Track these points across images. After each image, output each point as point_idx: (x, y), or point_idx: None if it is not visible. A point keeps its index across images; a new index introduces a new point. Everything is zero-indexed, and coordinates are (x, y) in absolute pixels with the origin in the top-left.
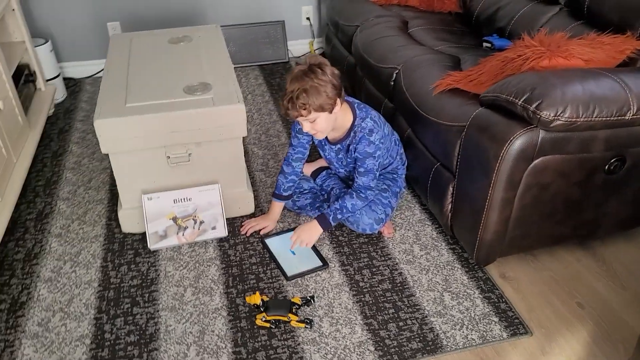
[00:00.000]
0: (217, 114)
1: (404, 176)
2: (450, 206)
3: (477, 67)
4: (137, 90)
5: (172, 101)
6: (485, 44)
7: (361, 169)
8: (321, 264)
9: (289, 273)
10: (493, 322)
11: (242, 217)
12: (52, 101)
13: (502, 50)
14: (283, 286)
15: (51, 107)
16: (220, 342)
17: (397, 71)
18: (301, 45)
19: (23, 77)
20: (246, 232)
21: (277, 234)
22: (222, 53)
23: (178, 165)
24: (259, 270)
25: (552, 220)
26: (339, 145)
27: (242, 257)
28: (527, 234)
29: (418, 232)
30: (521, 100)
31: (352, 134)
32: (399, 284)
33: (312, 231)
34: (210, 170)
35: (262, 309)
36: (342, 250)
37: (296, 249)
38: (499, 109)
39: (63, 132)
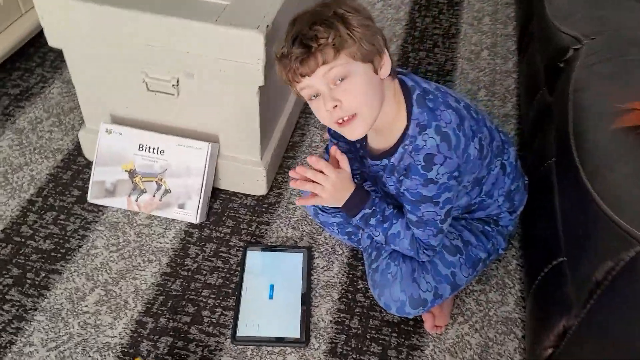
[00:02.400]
0: (217, 37)
1: (508, 232)
2: (550, 352)
3: None
4: None
5: None
6: None
7: (412, 216)
8: (298, 336)
9: (240, 331)
10: None
11: (243, 196)
12: None
13: None
14: (220, 350)
15: None
16: None
17: (577, 46)
18: None
19: None
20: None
21: (272, 248)
22: None
23: (159, 97)
24: (208, 302)
25: None
26: (384, 162)
27: (202, 266)
28: None
29: (491, 344)
30: None
31: (400, 149)
32: None
33: (340, 193)
34: (209, 117)
35: None
36: (344, 323)
37: (280, 289)
38: None
39: None
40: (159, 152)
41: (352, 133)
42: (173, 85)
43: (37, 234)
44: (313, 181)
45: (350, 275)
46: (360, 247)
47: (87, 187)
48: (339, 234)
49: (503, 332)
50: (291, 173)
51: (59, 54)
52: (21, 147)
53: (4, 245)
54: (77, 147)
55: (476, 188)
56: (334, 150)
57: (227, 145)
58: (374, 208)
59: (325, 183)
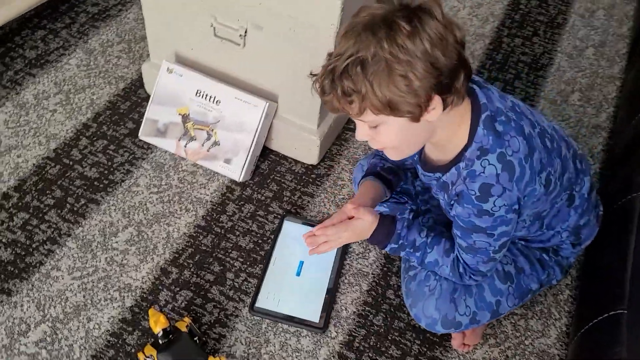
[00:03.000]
0: None
1: (569, 263)
2: None
3: None
4: None
5: None
6: None
7: (462, 242)
8: (317, 321)
9: (260, 302)
10: None
11: (293, 161)
12: None
13: None
14: (236, 316)
15: None
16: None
17: None
18: None
19: None
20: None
21: (311, 222)
22: None
23: (225, 44)
24: (235, 265)
25: None
26: (436, 175)
27: (237, 226)
28: None
29: None
30: None
31: (453, 169)
32: None
33: (360, 235)
34: (271, 75)
35: (160, 342)
36: (367, 317)
37: (309, 269)
38: None
39: None
40: (215, 102)
41: (389, 157)
42: (240, 35)
43: (85, 159)
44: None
45: (385, 269)
46: None
47: (141, 123)
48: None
49: None
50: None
51: None
52: (88, 69)
53: (52, 165)
54: (140, 79)
55: (536, 222)
56: (349, 209)
57: (285, 107)
58: (400, 242)
59: (341, 238)
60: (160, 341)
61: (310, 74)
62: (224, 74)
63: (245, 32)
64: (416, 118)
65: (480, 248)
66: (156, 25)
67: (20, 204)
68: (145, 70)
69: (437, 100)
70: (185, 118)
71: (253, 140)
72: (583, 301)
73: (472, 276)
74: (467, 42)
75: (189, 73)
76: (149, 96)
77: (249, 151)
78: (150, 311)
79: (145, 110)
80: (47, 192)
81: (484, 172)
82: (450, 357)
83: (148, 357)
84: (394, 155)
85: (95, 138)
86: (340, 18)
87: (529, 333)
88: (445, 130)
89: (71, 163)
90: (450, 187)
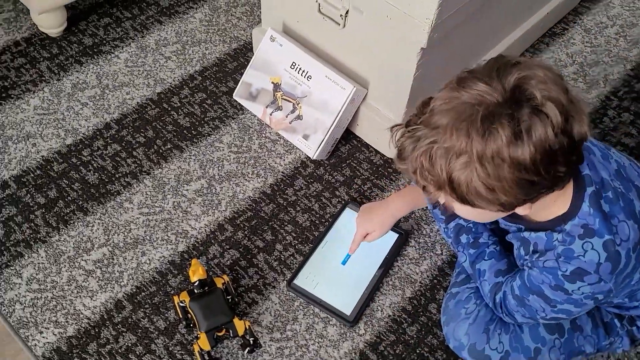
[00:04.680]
0: None
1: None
2: None
3: None
4: None
5: None
6: None
7: (517, 291)
8: (348, 315)
9: (298, 280)
10: None
11: (374, 151)
12: None
13: None
14: (273, 287)
15: None
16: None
17: None
18: None
19: None
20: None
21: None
22: None
23: (327, 22)
24: (287, 238)
25: None
26: (519, 226)
27: (299, 203)
28: None
29: None
30: None
31: (543, 235)
32: None
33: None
34: (366, 60)
35: (195, 291)
36: (401, 325)
37: (357, 261)
38: None
39: None
40: (306, 77)
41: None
42: (341, 15)
43: (182, 108)
44: None
45: (435, 282)
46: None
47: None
48: (448, 236)
49: None
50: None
51: None
52: (209, 25)
53: (153, 107)
54: (252, 42)
55: (621, 294)
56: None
57: (374, 95)
58: (469, 224)
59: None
60: (195, 290)
61: (392, 128)
62: (323, 52)
63: (347, 12)
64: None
65: (530, 307)
66: None
67: (116, 136)
68: (255, 35)
69: (526, 206)
70: (276, 87)
71: (334, 122)
72: None
73: (505, 315)
74: (605, 64)
75: (289, 44)
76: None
77: (328, 132)
78: (193, 261)
79: None
80: (142, 130)
81: (583, 257)
82: None
83: (181, 302)
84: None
85: (196, 90)
86: (437, 13)
87: None
88: (537, 206)
89: (169, 109)
90: (531, 248)
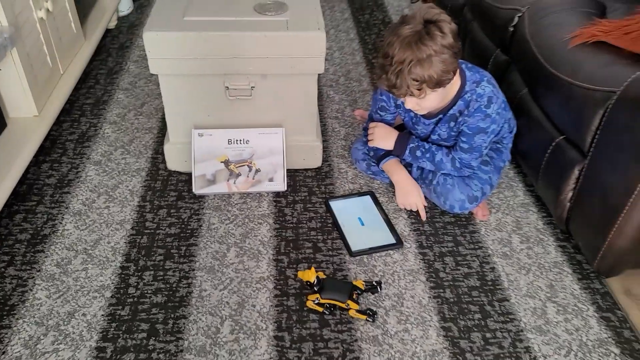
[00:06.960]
0: (290, 41)
1: (510, 147)
2: (571, 194)
3: (638, 16)
4: (199, 3)
5: (238, 19)
6: None
7: (465, 145)
8: (394, 241)
9: (354, 247)
10: (612, 355)
11: (304, 170)
12: (115, 12)
13: None
14: (344, 262)
15: (113, 19)
16: (261, 321)
17: (520, 14)
18: None
19: None
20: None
21: (344, 197)
22: None
23: (237, 99)
24: (318, 238)
25: None
26: (439, 117)
27: (301, 219)
28: None
29: (519, 220)
30: None
31: (459, 102)
32: (489, 282)
33: (386, 139)
34: (275, 111)
35: (315, 289)
36: (421, 227)
37: (366, 219)
38: None
39: (123, 49)
40: (245, 142)
41: (421, 113)
42: (251, 87)
43: (161, 224)
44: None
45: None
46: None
47: (180, 189)
48: (388, 178)
49: (525, 211)
50: (355, 113)
51: (98, 103)
52: (107, 172)
53: (139, 237)
54: (153, 164)
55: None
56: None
57: (289, 131)
58: (416, 143)
59: (374, 133)
60: (315, 288)
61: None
62: (238, 123)
63: (253, 85)
64: (446, 85)
65: (476, 147)
66: (175, 108)
67: (137, 268)
68: (168, 149)
69: (456, 72)
70: (226, 163)
71: (284, 157)
72: (529, 159)
73: (466, 169)
74: None
75: (216, 131)
76: (170, 172)
77: (284, 165)
78: (299, 272)
79: (176, 181)
80: (151, 253)
81: (485, 91)
82: (477, 227)
83: (314, 300)
84: (424, 112)
85: (155, 210)
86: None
87: (508, 199)
88: (452, 85)
89: (152, 230)
90: (459, 115)
